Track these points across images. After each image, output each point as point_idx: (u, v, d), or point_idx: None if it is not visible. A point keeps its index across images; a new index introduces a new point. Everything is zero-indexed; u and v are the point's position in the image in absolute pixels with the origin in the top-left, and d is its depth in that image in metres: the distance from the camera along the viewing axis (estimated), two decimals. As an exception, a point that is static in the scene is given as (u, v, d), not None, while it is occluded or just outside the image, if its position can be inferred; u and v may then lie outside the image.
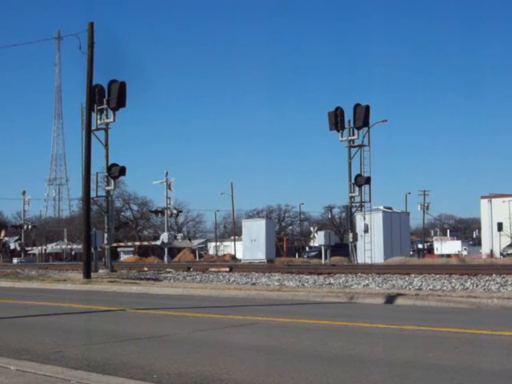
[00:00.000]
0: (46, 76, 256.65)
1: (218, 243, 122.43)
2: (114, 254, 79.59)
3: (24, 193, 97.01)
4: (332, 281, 26.29)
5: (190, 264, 52.17)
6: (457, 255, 76.09)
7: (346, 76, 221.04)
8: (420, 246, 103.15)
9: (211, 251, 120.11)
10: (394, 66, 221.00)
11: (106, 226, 40.35)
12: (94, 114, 37.79)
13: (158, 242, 74.69)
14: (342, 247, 69.25)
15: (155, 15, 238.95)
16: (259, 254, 63.39)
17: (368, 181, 52.20)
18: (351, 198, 53.17)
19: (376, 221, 57.94)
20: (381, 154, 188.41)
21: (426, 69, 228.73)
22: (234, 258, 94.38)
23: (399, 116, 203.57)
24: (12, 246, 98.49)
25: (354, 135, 52.52)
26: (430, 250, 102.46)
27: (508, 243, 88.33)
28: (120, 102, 38.58)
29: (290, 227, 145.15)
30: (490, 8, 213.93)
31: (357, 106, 52.21)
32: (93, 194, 38.36)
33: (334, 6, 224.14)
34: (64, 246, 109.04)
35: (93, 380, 7.66)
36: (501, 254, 79.74)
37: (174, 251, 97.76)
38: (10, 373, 8.14)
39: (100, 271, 37.15)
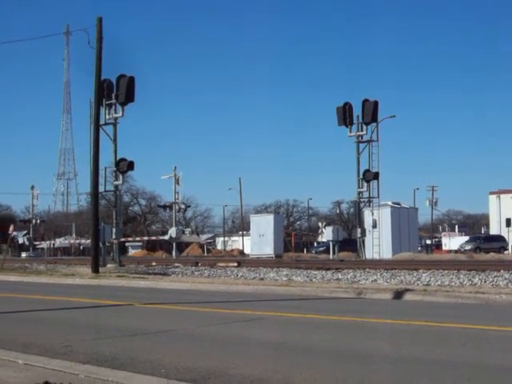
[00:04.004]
0: (55, 71, 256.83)
1: (226, 238, 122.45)
2: (123, 249, 79.50)
3: (33, 187, 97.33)
4: (340, 276, 26.27)
5: (198, 259, 52.20)
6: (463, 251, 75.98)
7: (355, 72, 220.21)
8: (428, 241, 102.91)
9: (219, 246, 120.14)
10: (402, 62, 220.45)
11: (115, 221, 40.44)
12: (102, 109, 37.78)
13: (166, 237, 74.86)
14: (350, 242, 69.08)
15: (164, 9, 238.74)
16: (267, 249, 63.35)
17: (376, 176, 52.11)
18: (359, 193, 53.10)
19: (384, 216, 57.78)
20: (389, 150, 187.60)
21: (435, 65, 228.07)
22: (242, 253, 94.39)
23: (408, 111, 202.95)
24: (20, 241, 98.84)
25: (362, 130, 52.41)
26: (439, 246, 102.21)
27: (467, 239, 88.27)
28: (128, 97, 38.60)
29: (298, 222, 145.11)
30: (501, 5, 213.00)
31: (365, 101, 52.09)
32: (101, 189, 38.42)
33: (343, 2, 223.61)
34: (72, 241, 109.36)
35: (101, 374, 7.67)
36: (458, 250, 79.67)
37: (182, 246, 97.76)
38: (18, 367, 8.16)
39: (108, 266, 37.21)
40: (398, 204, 64.76)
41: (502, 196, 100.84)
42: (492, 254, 64.69)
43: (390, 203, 62.90)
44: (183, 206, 79.12)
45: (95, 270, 31.48)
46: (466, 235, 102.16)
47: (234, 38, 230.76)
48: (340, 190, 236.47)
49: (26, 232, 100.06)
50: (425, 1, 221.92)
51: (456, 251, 79.98)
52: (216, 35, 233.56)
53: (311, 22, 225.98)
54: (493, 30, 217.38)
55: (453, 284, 21.21)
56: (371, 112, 51.43)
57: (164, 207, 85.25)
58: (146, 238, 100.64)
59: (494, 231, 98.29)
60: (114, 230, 39.91)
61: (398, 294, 18.16)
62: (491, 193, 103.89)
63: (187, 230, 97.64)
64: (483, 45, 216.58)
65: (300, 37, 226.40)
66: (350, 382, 7.58)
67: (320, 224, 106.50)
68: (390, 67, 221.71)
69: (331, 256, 55.38)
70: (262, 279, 26.22)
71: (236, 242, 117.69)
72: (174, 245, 71.34)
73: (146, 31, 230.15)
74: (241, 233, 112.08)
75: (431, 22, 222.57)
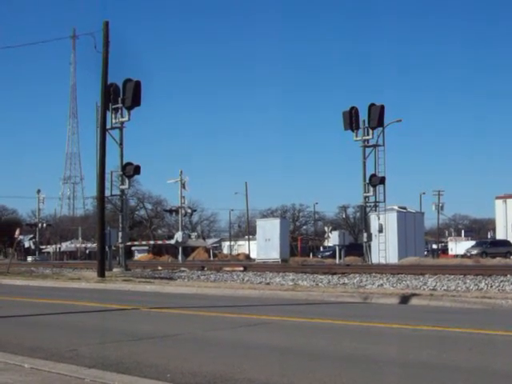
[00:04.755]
0: (61, 74, 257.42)
1: (232, 242, 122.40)
2: (129, 253, 79.49)
3: (39, 191, 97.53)
4: (346, 281, 26.26)
5: (204, 263, 52.19)
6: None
7: (360, 74, 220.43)
8: (434, 246, 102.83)
9: (225, 250, 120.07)
10: (408, 65, 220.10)
11: (121, 225, 40.47)
12: (108, 113, 37.83)
13: (173, 241, 74.81)
14: (356, 247, 69.03)
15: (168, 12, 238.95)
16: (273, 254, 63.26)
17: (382, 181, 52.09)
18: (366, 197, 53.08)
19: (390, 221, 57.70)
20: (395, 154, 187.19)
21: (440, 68, 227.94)
22: (248, 257, 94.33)
23: (414, 115, 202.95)
24: (26, 245, 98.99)
25: (368, 135, 52.40)
26: (445, 251, 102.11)
27: (473, 244, 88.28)
28: (135, 101, 38.65)
29: (305, 227, 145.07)
30: (504, 6, 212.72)
31: (371, 105, 52.10)
32: (107, 193, 38.47)
33: (347, 3, 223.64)
34: (78, 245, 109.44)
35: (107, 379, 7.68)
36: (464, 254, 79.67)
37: (188, 250, 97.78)
38: (24, 371, 8.17)
39: (114, 270, 37.24)
40: (404, 208, 64.66)
41: (508, 200, 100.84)
42: (498, 258, 64.61)
43: (396, 208, 62.82)
44: (189, 211, 79.12)
45: (101, 274, 31.50)
46: (472, 240, 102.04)
47: (238, 39, 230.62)
48: (346, 195, 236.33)
49: (32, 236, 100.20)
50: (429, 1, 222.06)
51: (462, 256, 79.92)
52: (219, 36, 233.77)
53: (314, 22, 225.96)
54: (501, 30, 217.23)
55: (459, 289, 21.20)
56: (377, 116, 51.44)
57: (170, 211, 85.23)
58: (152, 242, 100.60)
59: (500, 236, 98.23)
60: (120, 234, 39.95)
61: (405, 299, 18.14)
62: (497, 197, 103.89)
63: (193, 235, 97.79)
64: (490, 45, 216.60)
65: (305, 38, 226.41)
66: (356, 386, 7.58)
67: (326, 228, 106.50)
68: (395, 69, 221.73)
69: (337, 260, 55.31)
70: (268, 284, 26.23)
71: (242, 247, 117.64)
72: (180, 249, 71.33)
73: (151, 33, 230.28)
74: (247, 237, 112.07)
75: (435, 23, 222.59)
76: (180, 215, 73.96)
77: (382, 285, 24.02)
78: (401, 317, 14.75)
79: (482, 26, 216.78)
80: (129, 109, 39.01)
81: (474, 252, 77.79)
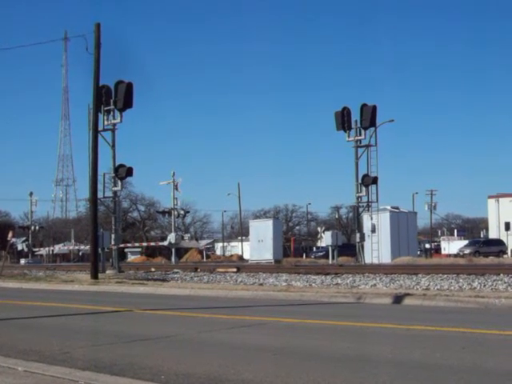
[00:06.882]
0: (53, 77, 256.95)
1: (225, 243, 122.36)
2: (122, 255, 79.53)
3: (31, 194, 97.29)
4: (339, 281, 26.24)
5: (198, 264, 52.14)
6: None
7: (353, 74, 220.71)
8: (427, 245, 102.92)
9: (218, 252, 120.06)
10: (401, 65, 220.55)
11: (114, 227, 40.38)
12: (100, 115, 37.70)
13: (166, 243, 74.72)
14: (349, 247, 69.12)
15: (159, 13, 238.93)
16: (266, 255, 63.30)
17: (375, 181, 52.09)
18: (358, 198, 53.05)
19: (383, 221, 57.81)
20: (388, 154, 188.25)
21: (434, 67, 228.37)
22: (241, 258, 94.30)
23: (406, 115, 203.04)
24: (19, 247, 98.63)
25: (360, 135, 52.40)
26: (438, 250, 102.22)
27: (466, 243, 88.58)
28: (127, 103, 38.53)
29: (298, 227, 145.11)
30: (498, 7, 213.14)
31: (364, 105, 52.09)
32: (100, 195, 38.36)
33: (343, 3, 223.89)
34: (71, 247, 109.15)
35: (100, 381, 7.67)
36: (457, 254, 79.91)
37: (181, 252, 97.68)
38: (18, 374, 8.15)
39: (107, 272, 37.16)
40: (397, 208, 64.81)
41: (500, 200, 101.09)
42: (491, 257, 64.88)
43: (388, 208, 62.94)
44: (182, 212, 79.02)
45: (94, 276, 31.42)
46: (465, 239, 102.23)
47: (231, 41, 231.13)
48: (339, 195, 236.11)
49: (24, 238, 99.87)
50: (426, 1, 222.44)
51: (455, 255, 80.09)
52: (213, 37, 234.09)
53: (309, 23, 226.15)
54: (494, 31, 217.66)
55: (452, 288, 21.19)
56: (369, 117, 51.44)
57: (163, 213, 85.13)
58: (145, 244, 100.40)
59: (493, 235, 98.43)
60: (112, 235, 39.86)
61: (398, 299, 18.15)
62: (490, 197, 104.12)
63: (186, 236, 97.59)
64: (483, 46, 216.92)
65: (298, 39, 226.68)
66: (350, 386, 7.58)
67: (319, 229, 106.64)
68: (387, 69, 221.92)
69: (330, 261, 55.40)
70: (261, 284, 26.19)
71: (235, 248, 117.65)
72: (173, 250, 71.26)
73: (143, 34, 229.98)
74: (240, 238, 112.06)
75: (430, 23, 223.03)
76: (173, 217, 73.87)
77: (375, 285, 24.00)
78: (394, 317, 14.75)
79: (477, 26, 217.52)
80: (121, 111, 38.88)
81: (467, 251, 77.97)
